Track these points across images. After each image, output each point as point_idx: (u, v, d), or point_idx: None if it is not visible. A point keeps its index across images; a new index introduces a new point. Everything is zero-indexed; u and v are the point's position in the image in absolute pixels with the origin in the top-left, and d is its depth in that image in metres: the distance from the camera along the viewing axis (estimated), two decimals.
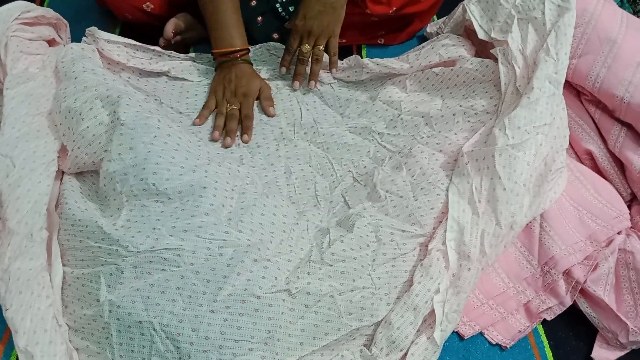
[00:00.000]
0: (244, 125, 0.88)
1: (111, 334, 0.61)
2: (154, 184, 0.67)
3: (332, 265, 0.67)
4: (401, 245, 0.72)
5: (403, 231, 0.73)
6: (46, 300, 0.64)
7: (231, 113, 0.88)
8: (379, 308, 0.67)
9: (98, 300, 0.62)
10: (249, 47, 0.93)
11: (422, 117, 0.88)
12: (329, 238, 0.70)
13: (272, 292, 0.63)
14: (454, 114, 0.86)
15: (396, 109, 0.91)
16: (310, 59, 0.92)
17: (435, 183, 0.78)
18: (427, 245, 0.73)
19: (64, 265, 0.68)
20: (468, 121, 0.84)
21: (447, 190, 0.77)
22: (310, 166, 0.86)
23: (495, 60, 0.85)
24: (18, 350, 0.60)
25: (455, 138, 0.84)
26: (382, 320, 0.67)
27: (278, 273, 0.65)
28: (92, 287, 0.64)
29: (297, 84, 0.94)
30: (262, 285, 0.63)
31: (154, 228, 0.65)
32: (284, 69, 0.94)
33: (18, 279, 0.63)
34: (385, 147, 0.88)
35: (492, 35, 0.85)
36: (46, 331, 0.62)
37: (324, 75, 0.97)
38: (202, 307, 0.61)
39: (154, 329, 0.61)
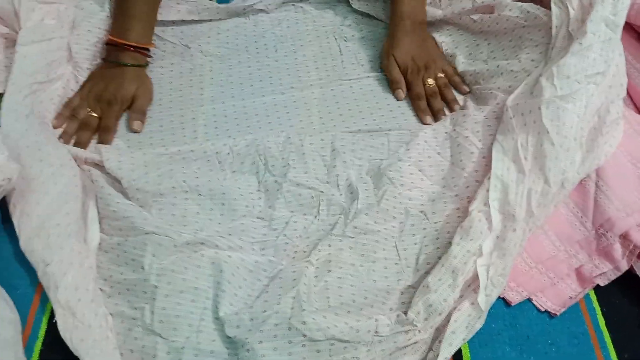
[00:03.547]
0: (101, 138, 0.77)
1: (154, 298, 0.61)
2: (184, 181, 0.68)
3: (353, 238, 0.67)
4: (430, 214, 0.69)
5: (432, 201, 0.71)
6: (86, 261, 0.64)
7: (86, 121, 0.77)
8: (405, 273, 0.66)
9: (143, 268, 0.63)
10: (148, 48, 0.83)
11: (471, 74, 0.84)
12: (356, 207, 0.69)
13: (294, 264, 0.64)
14: (498, 66, 0.80)
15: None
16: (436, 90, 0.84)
17: (472, 139, 0.74)
18: (459, 209, 0.70)
19: (100, 232, 0.68)
20: (512, 70, 0.79)
21: (482, 149, 0.73)
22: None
23: (538, 2, 0.78)
24: (57, 306, 0.60)
25: (499, 92, 0.78)
26: (416, 285, 0.64)
27: (304, 255, 0.66)
28: (137, 253, 0.64)
29: (434, 120, 0.81)
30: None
31: (196, 229, 0.67)
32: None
33: (58, 235, 0.63)
34: None
35: None
36: (87, 290, 0.62)
37: None
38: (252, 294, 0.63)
39: (207, 298, 0.61)
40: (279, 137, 0.77)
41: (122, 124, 0.80)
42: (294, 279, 0.63)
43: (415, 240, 0.68)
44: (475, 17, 0.84)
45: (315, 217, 0.70)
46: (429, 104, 0.82)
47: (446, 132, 0.78)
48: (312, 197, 0.70)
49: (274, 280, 0.63)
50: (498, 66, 0.80)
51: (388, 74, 0.85)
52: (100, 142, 0.77)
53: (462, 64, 0.85)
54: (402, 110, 0.82)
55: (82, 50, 0.81)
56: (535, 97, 0.70)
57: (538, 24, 0.78)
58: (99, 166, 0.73)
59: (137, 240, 0.64)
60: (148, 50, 0.83)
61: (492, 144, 0.71)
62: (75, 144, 0.76)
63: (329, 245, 0.66)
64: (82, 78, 0.81)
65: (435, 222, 0.69)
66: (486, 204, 0.66)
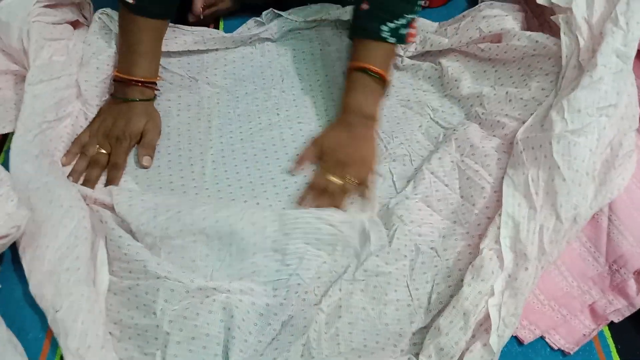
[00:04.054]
0: (109, 175, 0.76)
1: (166, 345, 0.61)
2: (192, 224, 0.67)
3: (363, 280, 0.66)
4: (441, 251, 0.69)
5: (443, 237, 0.70)
6: (95, 305, 0.64)
7: (95, 158, 0.77)
8: (418, 315, 0.65)
9: (154, 314, 0.62)
10: (155, 81, 0.82)
11: (477, 96, 0.82)
12: (369, 249, 0.68)
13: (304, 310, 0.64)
14: (506, 93, 0.79)
15: (448, 84, 0.86)
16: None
17: (482, 174, 0.73)
18: (470, 245, 0.69)
19: (109, 274, 0.68)
20: (521, 98, 0.77)
21: (493, 184, 0.72)
22: None
23: (547, 31, 0.77)
24: (67, 353, 0.60)
25: (508, 120, 0.77)
26: (428, 326, 0.64)
27: (316, 299, 0.65)
28: (149, 298, 0.64)
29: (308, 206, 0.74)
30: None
31: (206, 273, 0.66)
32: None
33: (68, 281, 0.63)
34: (437, 122, 0.83)
35: (554, 0, 0.77)
36: (98, 336, 0.62)
37: None
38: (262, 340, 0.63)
39: (218, 344, 0.61)
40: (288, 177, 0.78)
41: (130, 159, 0.80)
42: (305, 326, 0.62)
43: (427, 279, 0.67)
44: (482, 46, 0.83)
45: (330, 255, 0.69)
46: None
47: (452, 161, 0.76)
48: (331, 235, 0.69)
49: (285, 327, 0.63)
50: (507, 92, 0.79)
51: (305, 148, 0.80)
52: (109, 179, 0.76)
53: (467, 88, 0.84)
54: (409, 143, 0.82)
55: (91, 88, 0.81)
56: (546, 130, 0.69)
57: (548, 53, 0.77)
58: (110, 209, 0.73)
59: (149, 285, 0.64)
60: (155, 83, 0.83)
61: (502, 177, 0.71)
62: (84, 183, 0.76)
63: (340, 290, 0.66)
64: (91, 115, 0.81)
65: (447, 259, 0.68)
66: (497, 241, 0.65)
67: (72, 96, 0.80)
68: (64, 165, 0.77)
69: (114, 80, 0.82)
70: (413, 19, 0.77)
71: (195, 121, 0.85)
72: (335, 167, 0.75)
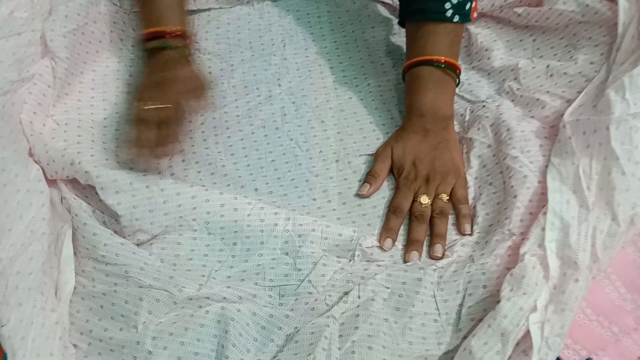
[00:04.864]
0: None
1: None
2: (194, 219, 0.58)
3: (388, 288, 0.56)
4: (477, 255, 0.58)
5: (477, 243, 0.60)
6: (51, 315, 0.53)
7: (164, 115, 0.61)
8: (446, 332, 0.55)
9: (135, 327, 0.53)
10: (185, 31, 0.68)
11: (512, 69, 0.71)
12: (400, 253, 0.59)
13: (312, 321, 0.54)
14: (547, 66, 0.68)
15: (477, 54, 0.75)
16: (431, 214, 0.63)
17: (522, 160, 0.62)
18: (510, 247, 0.58)
19: (77, 274, 0.57)
20: (565, 73, 0.67)
21: (536, 173, 0.61)
22: None
23: None
24: None
25: (549, 98, 0.66)
26: (457, 348, 0.54)
27: (325, 308, 0.55)
28: (129, 309, 0.54)
29: (415, 254, 0.60)
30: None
31: (202, 275, 0.57)
32: (389, 241, 0.61)
33: (17, 287, 0.52)
34: (463, 97, 0.72)
35: None
36: (52, 355, 0.51)
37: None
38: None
39: None
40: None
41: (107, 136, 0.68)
42: (311, 344, 0.52)
43: (458, 288, 0.57)
44: (519, 10, 0.72)
45: (350, 261, 0.59)
46: (409, 228, 0.62)
47: (489, 146, 0.66)
48: (352, 240, 0.59)
49: (289, 344, 0.53)
50: (548, 66, 0.68)
51: (374, 163, 0.67)
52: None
53: (499, 59, 0.73)
54: None
55: (58, 38, 0.69)
56: (601, 113, 0.58)
57: (599, 20, 0.66)
58: (82, 195, 0.62)
59: (130, 293, 0.54)
60: (187, 37, 0.69)
61: (546, 167, 0.60)
62: (161, 145, 0.61)
63: (359, 297, 0.55)
64: (61, 70, 0.69)
65: (482, 264, 0.57)
66: (541, 245, 0.55)
67: (36, 55, 0.68)
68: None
69: (145, 40, 0.68)
70: None
71: None
72: (417, 183, 0.63)
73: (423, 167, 0.64)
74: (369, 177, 0.65)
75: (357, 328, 0.53)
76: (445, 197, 0.63)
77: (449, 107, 0.67)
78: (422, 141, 0.65)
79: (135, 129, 0.61)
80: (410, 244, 0.61)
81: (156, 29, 0.67)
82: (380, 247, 0.61)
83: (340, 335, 0.53)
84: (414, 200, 0.63)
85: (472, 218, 0.63)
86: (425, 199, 0.62)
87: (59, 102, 0.69)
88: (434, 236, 0.61)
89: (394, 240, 0.61)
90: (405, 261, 0.60)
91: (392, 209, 0.63)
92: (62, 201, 0.61)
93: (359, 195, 0.65)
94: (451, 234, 0.62)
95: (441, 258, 0.60)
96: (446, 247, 0.61)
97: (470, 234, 0.61)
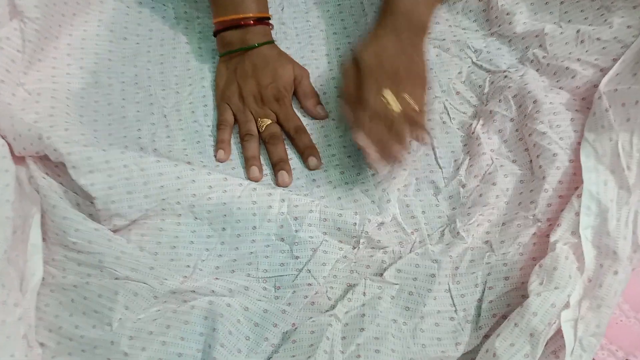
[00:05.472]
0: (301, 143, 0.59)
1: None
2: (178, 202, 0.52)
3: (397, 284, 0.50)
4: (497, 243, 0.52)
5: (502, 224, 0.53)
6: (14, 311, 0.47)
7: (271, 133, 0.59)
8: (464, 331, 0.48)
9: (109, 325, 0.47)
10: (269, 17, 0.64)
11: (536, 35, 0.63)
12: (414, 241, 0.52)
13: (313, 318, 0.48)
14: (577, 31, 0.61)
15: (497, 19, 0.67)
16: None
17: (551, 136, 0.55)
18: (536, 234, 0.51)
19: (46, 263, 0.51)
20: (598, 39, 0.59)
21: (567, 151, 0.54)
22: None
23: None
24: None
25: (579, 67, 0.59)
26: (478, 348, 0.47)
27: (328, 305, 0.49)
28: (102, 304, 0.48)
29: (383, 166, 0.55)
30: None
31: (187, 266, 0.50)
32: (361, 136, 0.53)
33: None
34: (481, 66, 0.65)
35: None
36: (13, 356, 0.45)
37: None
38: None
39: None
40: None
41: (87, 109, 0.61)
42: (311, 345, 0.45)
43: (476, 281, 0.50)
44: None
45: (354, 248, 0.52)
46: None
47: (511, 120, 0.60)
48: (355, 225, 0.52)
49: (286, 343, 0.46)
50: (578, 31, 0.61)
51: (341, 75, 0.59)
52: (305, 146, 0.59)
53: (522, 24, 0.65)
54: (446, 96, 0.64)
55: None
56: None
57: None
58: (54, 173, 0.55)
59: (104, 286, 0.48)
60: (269, 22, 0.64)
61: (578, 144, 0.53)
62: (277, 167, 0.58)
63: (364, 294, 0.49)
64: (32, 33, 0.61)
65: (504, 254, 0.51)
66: (575, 233, 0.48)
67: (3, 16, 0.60)
68: (221, 160, 0.59)
69: (219, 31, 0.63)
70: None
71: (169, 60, 0.66)
72: (386, 84, 0.54)
73: (389, 66, 0.55)
74: (340, 92, 0.58)
75: (362, 329, 0.47)
76: (410, 100, 0.54)
77: (427, 17, 0.60)
78: (391, 40, 0.57)
79: (246, 146, 0.59)
80: (384, 155, 0.53)
81: (235, 16, 0.61)
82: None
83: (344, 337, 0.47)
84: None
85: (482, 194, 0.55)
86: (393, 101, 0.53)
87: (31, 70, 0.62)
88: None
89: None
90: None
91: (361, 112, 0.54)
92: (29, 181, 0.54)
93: (360, 174, 0.58)
94: (466, 203, 0.55)
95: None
96: (449, 225, 0.54)
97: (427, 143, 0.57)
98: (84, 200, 0.54)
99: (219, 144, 0.59)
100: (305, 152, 0.59)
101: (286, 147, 0.60)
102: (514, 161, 0.57)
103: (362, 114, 0.53)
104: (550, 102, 0.57)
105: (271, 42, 0.64)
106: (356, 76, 0.55)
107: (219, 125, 0.60)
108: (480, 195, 0.55)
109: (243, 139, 0.59)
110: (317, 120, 0.62)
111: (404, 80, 0.55)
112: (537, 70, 0.62)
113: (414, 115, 0.54)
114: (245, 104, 0.61)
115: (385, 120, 0.53)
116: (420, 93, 0.56)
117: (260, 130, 0.60)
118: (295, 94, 0.63)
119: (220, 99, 0.62)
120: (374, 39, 0.58)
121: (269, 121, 0.60)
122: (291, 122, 0.60)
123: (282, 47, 0.66)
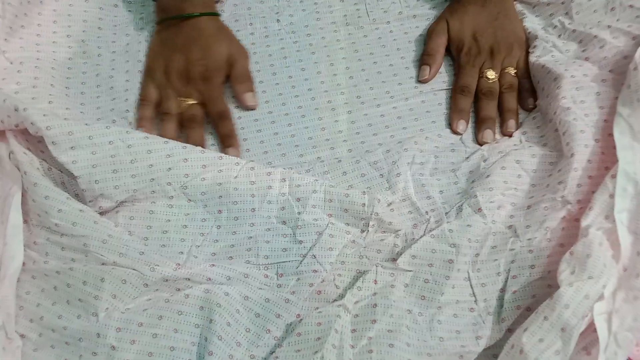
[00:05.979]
0: (222, 130, 0.54)
1: None
2: (169, 183, 0.47)
3: (410, 271, 0.46)
4: (522, 228, 0.47)
5: (527, 207, 0.48)
6: None
7: (189, 115, 0.54)
8: (487, 327, 0.44)
9: (95, 315, 0.42)
10: None
11: (562, 2, 0.59)
12: (429, 223, 0.48)
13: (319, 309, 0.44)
14: None
15: None
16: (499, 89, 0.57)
17: (575, 111, 0.50)
18: (565, 218, 0.47)
19: (27, 247, 0.46)
20: (630, 5, 0.55)
21: (594, 128, 0.49)
22: None
23: None
24: None
25: (609, 35, 0.55)
26: (501, 342, 0.43)
27: (336, 294, 0.45)
28: (88, 292, 0.43)
29: (489, 133, 0.55)
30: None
31: (181, 252, 0.46)
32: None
33: None
34: None
35: None
36: None
37: None
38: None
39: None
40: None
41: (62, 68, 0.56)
42: (318, 338, 0.41)
43: (498, 269, 0.46)
44: None
45: (363, 231, 0.48)
46: (476, 106, 0.56)
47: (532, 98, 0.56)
48: (364, 204, 0.48)
49: (290, 336, 0.42)
50: None
51: (427, 41, 0.59)
52: (226, 134, 0.54)
53: None
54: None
55: None
56: None
57: None
58: (37, 149, 0.50)
59: (89, 272, 0.44)
60: None
61: (605, 121, 0.48)
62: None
63: (375, 282, 0.45)
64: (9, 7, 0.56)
65: (529, 239, 0.46)
66: (609, 217, 0.44)
67: None
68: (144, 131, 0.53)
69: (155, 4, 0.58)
70: None
71: None
72: (481, 58, 0.57)
73: (485, 40, 0.58)
74: (425, 57, 0.58)
75: (374, 321, 0.43)
76: (512, 70, 0.57)
77: None
78: (480, 12, 0.59)
79: (164, 125, 0.54)
80: (481, 122, 0.55)
81: None
82: (454, 131, 0.55)
83: (354, 330, 0.43)
84: (480, 77, 0.57)
85: (504, 167, 0.51)
86: (491, 74, 0.57)
87: (13, 37, 0.57)
88: (506, 112, 0.56)
89: (466, 122, 0.55)
90: (479, 143, 0.54)
91: (458, 90, 0.57)
92: (9, 157, 0.49)
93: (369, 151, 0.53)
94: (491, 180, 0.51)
95: (511, 136, 0.54)
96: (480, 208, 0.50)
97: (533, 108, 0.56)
98: (69, 179, 0.50)
99: (140, 121, 0.54)
100: (225, 141, 0.53)
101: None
102: (544, 145, 0.52)
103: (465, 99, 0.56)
104: (572, 76, 0.52)
105: (214, 14, 0.58)
106: (443, 43, 0.59)
107: (140, 101, 0.55)
108: (503, 167, 0.50)
109: (160, 118, 0.54)
110: (329, 100, 0.57)
111: (501, 51, 0.57)
112: (559, 37, 0.58)
113: (514, 79, 0.57)
114: (169, 80, 0.55)
115: (491, 96, 0.56)
116: (519, 57, 0.58)
117: (179, 109, 0.54)
118: (228, 75, 0.57)
119: (146, 72, 0.57)
120: (465, 12, 0.59)
121: (191, 101, 0.54)
122: (215, 105, 0.54)
123: (285, 15, 0.61)
